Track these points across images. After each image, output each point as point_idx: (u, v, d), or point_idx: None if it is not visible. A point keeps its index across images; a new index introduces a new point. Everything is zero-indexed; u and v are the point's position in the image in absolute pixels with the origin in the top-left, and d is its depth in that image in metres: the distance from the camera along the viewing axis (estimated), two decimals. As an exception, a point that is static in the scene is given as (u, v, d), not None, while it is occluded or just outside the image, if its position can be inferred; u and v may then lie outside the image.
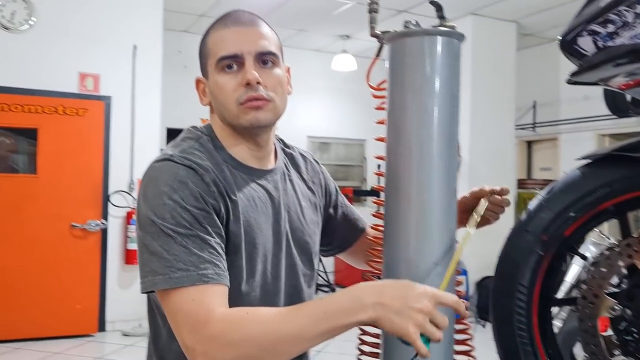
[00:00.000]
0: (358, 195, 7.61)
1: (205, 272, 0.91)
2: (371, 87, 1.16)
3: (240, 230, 1.02)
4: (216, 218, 0.97)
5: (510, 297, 1.06)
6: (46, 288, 4.45)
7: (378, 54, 1.14)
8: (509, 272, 1.07)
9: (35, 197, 4.57)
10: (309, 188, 1.21)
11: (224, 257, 0.97)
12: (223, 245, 0.97)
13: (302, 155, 1.26)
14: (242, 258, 1.02)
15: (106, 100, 4.85)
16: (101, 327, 4.73)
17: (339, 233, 1.31)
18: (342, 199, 1.33)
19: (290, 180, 1.16)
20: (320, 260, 6.99)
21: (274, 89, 1.04)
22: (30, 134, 4.66)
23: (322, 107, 7.52)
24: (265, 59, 1.03)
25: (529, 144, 7.26)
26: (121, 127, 4.92)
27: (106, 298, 4.72)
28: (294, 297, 1.12)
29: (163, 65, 5.17)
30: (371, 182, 7.89)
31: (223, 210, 0.99)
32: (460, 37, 1.03)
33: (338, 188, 1.31)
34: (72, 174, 4.61)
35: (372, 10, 1.13)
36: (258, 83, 1.00)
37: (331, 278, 7.30)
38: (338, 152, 7.86)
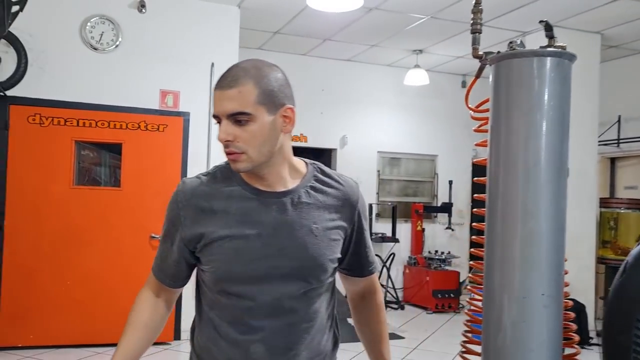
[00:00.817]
0: (429, 211, 7.47)
1: (155, 265, 1.35)
2: (470, 108, 1.11)
3: (218, 234, 1.24)
4: (178, 233, 1.28)
5: (627, 334, 0.98)
6: (126, 295, 4.62)
7: (479, 75, 1.10)
8: (625, 308, 0.99)
9: (119, 208, 4.80)
10: (335, 211, 1.31)
11: (175, 257, 1.31)
12: (178, 248, 1.30)
13: (338, 181, 1.35)
14: (221, 255, 1.24)
15: (185, 116, 5.03)
16: (176, 336, 4.87)
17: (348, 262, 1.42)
18: (363, 237, 1.39)
19: (307, 203, 1.28)
20: (390, 277, 6.93)
21: (247, 143, 1.18)
22: (114, 149, 4.91)
23: (393, 122, 7.47)
24: (238, 118, 1.18)
25: (613, 160, 6.88)
26: (198, 142, 5.08)
27: (181, 307, 4.85)
28: (281, 301, 1.26)
29: (239, 82, 5.30)
30: (442, 198, 7.72)
31: (195, 221, 1.26)
32: (572, 57, 0.98)
33: (365, 225, 1.39)
34: (153, 187, 4.81)
35: (475, 31, 1.09)
36: (228, 141, 1.18)
37: (400, 295, 7.18)
38: (408, 168, 7.76)
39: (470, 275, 1.11)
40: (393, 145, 7.49)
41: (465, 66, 7.23)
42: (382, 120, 7.37)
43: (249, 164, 1.20)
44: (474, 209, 1.29)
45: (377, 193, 7.41)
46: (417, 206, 7.36)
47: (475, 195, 1.15)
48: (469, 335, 1.49)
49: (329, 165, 7.44)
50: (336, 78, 7.13)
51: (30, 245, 4.61)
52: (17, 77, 4.51)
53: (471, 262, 1.15)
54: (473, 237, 1.12)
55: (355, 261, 1.36)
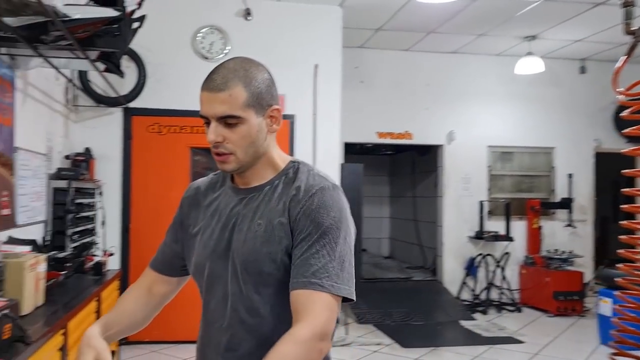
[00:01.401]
0: (546, 208, 6.99)
1: (153, 259, 1.47)
2: (621, 92, 0.97)
3: (199, 228, 1.34)
4: (177, 225, 1.43)
5: None
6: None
7: (630, 53, 0.95)
8: None
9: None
10: (286, 210, 1.25)
11: (172, 250, 1.43)
12: (176, 242, 1.42)
13: (299, 187, 1.27)
14: (193, 248, 1.35)
15: (291, 119, 5.11)
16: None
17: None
18: (308, 246, 1.21)
19: (263, 199, 1.28)
20: (504, 278, 6.57)
21: (236, 144, 1.22)
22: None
23: (504, 115, 7.08)
24: (228, 121, 1.20)
25: None
26: (304, 143, 5.14)
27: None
28: (231, 297, 1.27)
29: (341, 82, 5.30)
30: (561, 193, 7.20)
31: (189, 215, 1.40)
32: None
33: (314, 232, 1.21)
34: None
35: (628, 4, 0.95)
36: (218, 142, 1.21)
37: (516, 296, 6.79)
38: (522, 162, 7.31)
39: (619, 280, 0.96)
40: (504, 138, 7.09)
41: (584, 50, 6.68)
42: (491, 113, 7.02)
43: (236, 165, 1.24)
44: (623, 205, 1.13)
45: (489, 189, 7.06)
46: (533, 202, 6.92)
47: (625, 190, 1.00)
48: (617, 346, 1.32)
49: (434, 162, 7.17)
50: (441, 72, 6.89)
51: (153, 245, 4.86)
52: (138, 89, 4.83)
53: (621, 265, 1.00)
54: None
55: (293, 269, 1.19)
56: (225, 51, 5.09)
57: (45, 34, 2.75)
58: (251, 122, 1.21)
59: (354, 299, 1.17)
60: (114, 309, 1.38)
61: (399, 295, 6.72)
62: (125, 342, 4.64)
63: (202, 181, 1.42)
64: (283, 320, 1.18)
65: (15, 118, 3.38)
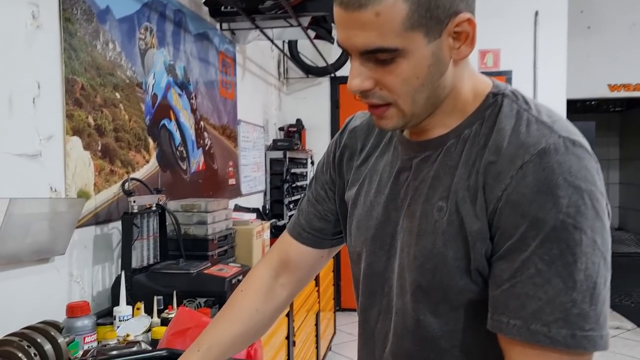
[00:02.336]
0: None
1: (291, 222, 1.04)
2: None
3: (355, 193, 0.92)
4: (326, 172, 1.00)
5: None
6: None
7: None
8: None
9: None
10: (479, 189, 0.73)
11: (316, 208, 1.00)
12: (322, 197, 1.00)
13: (499, 147, 0.73)
14: (347, 228, 0.94)
15: (507, 75, 4.60)
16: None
17: None
18: (522, 261, 0.70)
19: (448, 165, 0.78)
20: None
21: (395, 89, 0.74)
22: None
23: None
24: (378, 56, 0.72)
25: None
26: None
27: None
28: (395, 316, 0.84)
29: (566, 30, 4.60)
30: None
31: (340, 166, 0.98)
32: None
33: (531, 236, 0.68)
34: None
35: None
36: (365, 90, 0.75)
37: None
38: None
39: None
40: None
41: None
42: None
43: (400, 121, 0.77)
44: None
45: None
46: None
47: None
48: None
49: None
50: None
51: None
52: (344, 57, 4.78)
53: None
54: None
55: (496, 296, 0.72)
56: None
57: (261, 3, 2.79)
58: (418, 53, 0.71)
59: (607, 348, 0.67)
60: (226, 314, 0.97)
61: (638, 272, 5.80)
62: (339, 309, 4.73)
63: (360, 118, 0.96)
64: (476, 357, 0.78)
65: (237, 92, 3.54)
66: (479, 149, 0.74)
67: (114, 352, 1.10)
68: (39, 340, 1.10)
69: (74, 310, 1.43)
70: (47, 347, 1.11)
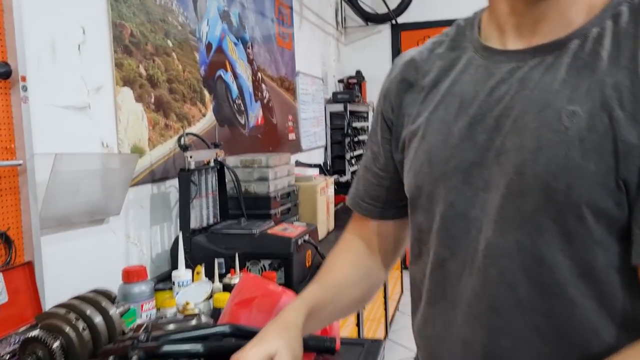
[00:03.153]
0: None
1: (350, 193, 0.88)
2: None
3: (416, 127, 0.73)
4: (379, 129, 0.81)
5: None
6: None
7: None
8: None
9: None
10: (625, 98, 0.57)
11: (375, 174, 0.83)
12: (376, 156, 0.82)
13: None
14: (409, 157, 0.74)
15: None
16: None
17: None
18: None
19: (578, 67, 0.60)
20: None
21: None
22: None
23: None
24: None
25: None
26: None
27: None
28: (502, 257, 0.62)
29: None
30: None
31: (399, 106, 0.77)
32: None
33: None
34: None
35: None
36: None
37: None
38: None
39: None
40: None
41: None
42: None
43: None
44: None
45: None
46: None
47: None
48: None
49: None
50: None
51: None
52: (406, 2, 4.45)
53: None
54: None
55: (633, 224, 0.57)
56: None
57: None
58: None
59: None
60: (323, 278, 0.84)
61: None
62: (406, 267, 4.56)
63: (417, 50, 0.80)
64: (616, 315, 0.59)
65: (295, 42, 3.33)
66: (620, 48, 0.59)
67: (170, 327, 0.98)
68: (88, 312, 0.98)
69: (130, 276, 1.32)
70: (98, 319, 0.99)
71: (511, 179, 0.61)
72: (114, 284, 1.31)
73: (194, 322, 1.00)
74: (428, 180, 0.70)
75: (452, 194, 0.67)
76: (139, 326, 0.98)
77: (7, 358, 1.05)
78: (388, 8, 4.14)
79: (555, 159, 0.58)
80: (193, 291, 1.35)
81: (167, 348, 0.84)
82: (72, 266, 1.39)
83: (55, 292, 1.27)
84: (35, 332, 0.94)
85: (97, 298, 1.03)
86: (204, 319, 1.02)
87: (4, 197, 1.17)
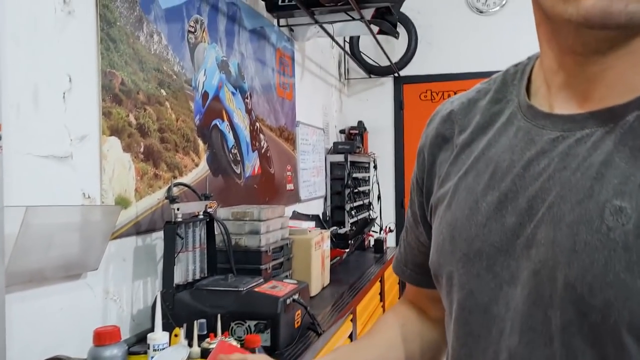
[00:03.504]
0: None
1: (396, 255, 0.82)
2: None
3: (445, 191, 0.64)
4: (416, 190, 0.73)
5: None
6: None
7: None
8: None
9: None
10: None
11: (417, 238, 0.75)
12: (414, 220, 0.74)
13: None
14: (436, 224, 0.65)
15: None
16: None
17: None
18: None
19: (630, 150, 0.49)
20: None
21: None
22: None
23: None
24: None
25: None
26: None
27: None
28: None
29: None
30: None
31: (432, 165, 0.69)
32: None
33: None
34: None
35: None
36: None
37: None
38: None
39: None
40: None
41: None
42: None
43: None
44: None
45: None
46: None
47: None
48: None
49: None
50: None
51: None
52: (409, 55, 4.49)
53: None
54: None
55: None
56: (502, 2, 4.41)
57: (321, -7, 2.56)
58: None
59: None
60: (358, 341, 0.80)
61: None
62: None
63: (459, 99, 0.70)
64: None
65: (295, 93, 3.33)
66: None
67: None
68: (45, 382, 0.90)
69: (101, 338, 1.23)
70: (55, 391, 0.90)
71: (541, 281, 0.51)
72: (88, 345, 1.22)
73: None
74: (448, 259, 0.61)
75: (474, 282, 0.57)
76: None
77: None
78: (390, 61, 4.16)
79: (592, 268, 0.47)
80: (168, 356, 1.26)
81: None
82: (43, 326, 1.30)
83: (20, 355, 1.17)
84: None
85: (57, 367, 0.94)
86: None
87: (-31, 251, 1.10)
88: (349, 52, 4.25)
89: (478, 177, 0.60)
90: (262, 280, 1.72)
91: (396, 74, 4.55)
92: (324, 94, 4.01)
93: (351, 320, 2.23)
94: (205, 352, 1.28)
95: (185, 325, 1.43)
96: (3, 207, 1.14)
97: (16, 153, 1.22)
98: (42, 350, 1.15)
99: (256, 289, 1.61)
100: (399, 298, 3.81)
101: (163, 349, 1.30)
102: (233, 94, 2.41)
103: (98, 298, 1.50)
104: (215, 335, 1.38)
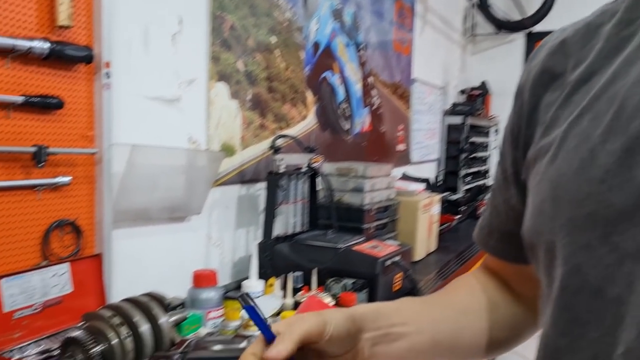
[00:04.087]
0: None
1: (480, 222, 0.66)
2: None
3: (551, 140, 0.49)
4: (510, 135, 0.58)
5: None
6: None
7: None
8: None
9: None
10: None
11: (506, 202, 0.59)
12: (504, 181, 0.59)
13: None
14: (526, 214, 0.52)
15: None
16: None
17: None
18: None
19: None
20: None
21: None
22: None
23: None
24: None
25: None
26: None
27: None
28: None
29: None
30: None
31: (534, 110, 0.53)
32: None
33: None
34: None
35: None
36: None
37: None
38: None
39: None
40: None
41: None
42: None
43: None
44: None
45: None
46: None
47: None
48: None
49: None
50: None
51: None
52: (545, 9, 4.06)
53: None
54: None
55: None
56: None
57: None
58: None
59: None
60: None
61: None
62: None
63: (573, 26, 0.54)
64: None
65: (414, 48, 3.15)
66: None
67: (215, 348, 0.87)
68: (135, 318, 0.91)
69: (199, 280, 1.24)
70: (144, 327, 0.91)
71: None
72: (187, 286, 1.24)
73: (243, 344, 0.88)
74: (549, 225, 0.47)
75: (583, 254, 0.44)
76: (183, 341, 0.88)
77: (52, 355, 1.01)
78: (523, 15, 3.79)
79: None
80: (261, 305, 1.24)
81: (199, 377, 0.73)
82: (146, 263, 1.34)
83: (123, 289, 1.22)
84: (76, 333, 0.88)
85: (149, 304, 0.95)
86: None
87: (78, 186, 1.14)
88: (477, 2, 3.93)
89: (596, 120, 0.45)
90: (362, 239, 1.65)
91: (529, 30, 4.16)
92: (445, 51, 3.77)
93: (456, 290, 2.10)
94: (297, 305, 1.25)
95: (281, 276, 1.41)
96: (111, 145, 1.17)
97: (125, 93, 1.24)
98: (145, 287, 1.18)
99: (355, 248, 1.55)
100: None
101: (257, 297, 1.29)
102: (346, 45, 2.31)
103: (200, 242, 1.53)
104: (310, 289, 1.34)
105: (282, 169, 1.60)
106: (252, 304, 0.48)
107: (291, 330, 0.47)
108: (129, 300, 0.96)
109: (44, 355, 0.98)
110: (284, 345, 0.45)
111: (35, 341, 1.02)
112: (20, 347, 1.00)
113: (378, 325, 0.54)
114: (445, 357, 0.61)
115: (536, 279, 0.54)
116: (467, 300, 0.64)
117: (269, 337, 0.46)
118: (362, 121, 2.51)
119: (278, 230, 1.61)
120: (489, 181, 4.07)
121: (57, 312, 1.09)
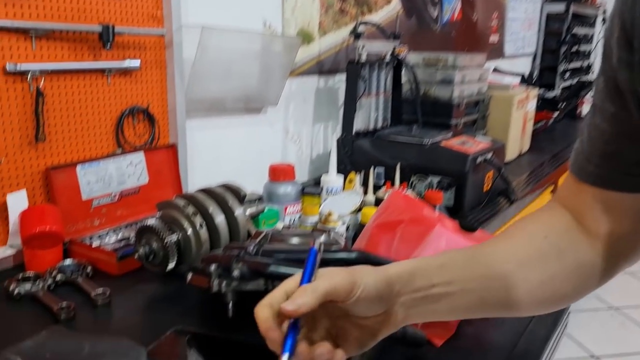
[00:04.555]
0: None
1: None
2: None
3: None
4: (620, 36, 0.45)
5: None
6: None
7: None
8: None
9: None
10: None
11: (613, 111, 0.48)
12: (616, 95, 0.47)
13: None
14: None
15: None
16: None
17: None
18: None
19: None
20: None
21: None
22: None
23: None
24: None
25: None
26: None
27: None
28: None
29: None
30: None
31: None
32: None
33: None
34: None
35: None
36: None
37: None
38: None
39: None
40: None
41: None
42: None
43: None
44: None
45: None
46: None
47: None
48: None
49: None
50: None
51: None
52: None
53: None
54: None
55: None
56: None
57: None
58: None
59: None
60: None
61: None
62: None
63: None
64: None
65: None
66: None
67: (292, 242, 0.81)
68: (210, 209, 0.86)
69: (276, 174, 1.19)
70: (219, 219, 0.86)
71: None
72: (264, 181, 1.19)
73: (322, 238, 0.82)
74: None
75: None
76: (259, 233, 0.83)
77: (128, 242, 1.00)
78: None
79: None
80: (341, 201, 1.17)
81: (274, 269, 0.67)
82: (221, 156, 1.30)
83: (199, 181, 1.19)
84: (151, 222, 0.85)
85: (225, 195, 0.90)
86: (333, 238, 0.84)
87: (149, 71, 1.08)
88: None
89: None
90: (450, 134, 1.52)
91: None
92: None
93: (552, 192, 1.95)
94: (379, 202, 1.17)
95: (363, 171, 1.33)
96: (181, 26, 1.08)
97: (193, -31, 1.13)
98: (221, 179, 1.15)
99: (443, 144, 1.42)
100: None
101: (336, 193, 1.22)
102: None
103: (278, 136, 1.46)
104: (392, 185, 1.26)
105: (363, 58, 1.46)
106: (319, 250, 0.45)
107: (316, 285, 0.41)
108: (204, 190, 0.91)
109: (122, 243, 0.98)
110: (305, 299, 0.40)
111: (114, 229, 1.02)
112: (99, 235, 0.99)
113: (416, 287, 0.46)
114: (493, 315, 0.53)
115: (625, 210, 0.50)
116: (526, 248, 0.52)
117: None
118: (452, 8, 2.27)
119: (358, 125, 1.51)
120: (591, 78, 3.69)
121: (134, 202, 1.08)
